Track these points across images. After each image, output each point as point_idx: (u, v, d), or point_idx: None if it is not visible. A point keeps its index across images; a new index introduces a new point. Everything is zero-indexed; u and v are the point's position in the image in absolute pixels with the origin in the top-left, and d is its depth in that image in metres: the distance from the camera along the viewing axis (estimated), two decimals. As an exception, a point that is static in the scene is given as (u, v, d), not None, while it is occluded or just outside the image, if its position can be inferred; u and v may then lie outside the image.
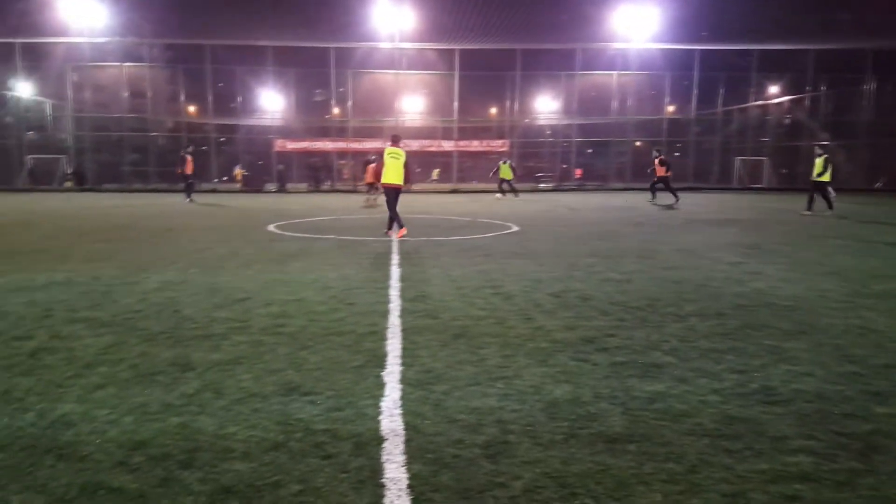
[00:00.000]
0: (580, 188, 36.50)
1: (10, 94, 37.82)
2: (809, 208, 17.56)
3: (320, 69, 38.24)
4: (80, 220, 10.96)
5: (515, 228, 13.73)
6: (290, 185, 35.26)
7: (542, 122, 43.96)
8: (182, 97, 40.14)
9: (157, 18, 31.67)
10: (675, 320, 5.67)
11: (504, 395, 3.85)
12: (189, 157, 22.73)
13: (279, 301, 6.34)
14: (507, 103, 41.60)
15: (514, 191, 27.53)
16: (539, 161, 42.98)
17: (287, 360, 4.46)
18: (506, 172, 27.58)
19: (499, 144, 39.66)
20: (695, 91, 40.12)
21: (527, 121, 42.47)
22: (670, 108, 42.61)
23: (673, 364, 4.45)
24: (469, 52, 36.92)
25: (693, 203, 23.37)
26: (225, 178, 38.21)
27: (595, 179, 40.18)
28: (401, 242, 10.99)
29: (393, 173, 11.71)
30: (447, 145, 37.01)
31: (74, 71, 38.00)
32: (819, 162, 17.37)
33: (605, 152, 43.29)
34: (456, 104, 37.96)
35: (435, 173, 39.49)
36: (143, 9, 31.31)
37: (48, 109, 39.81)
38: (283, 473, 2.88)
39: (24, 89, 38.74)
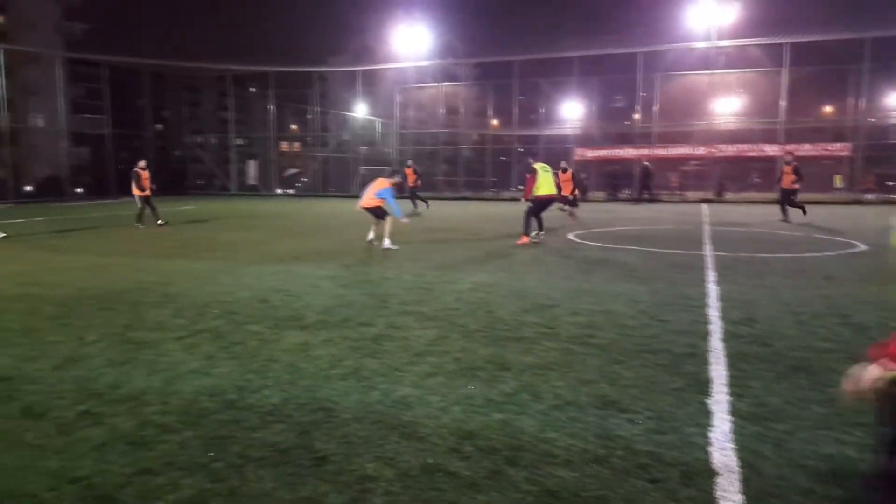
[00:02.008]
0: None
1: (350, 115, 44.81)
2: None
3: (626, 75, 37.62)
4: (400, 224, 12.45)
5: (863, 247, 11.64)
6: (588, 195, 35.42)
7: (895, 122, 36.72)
8: (489, 111, 43.12)
9: (471, 39, 34.58)
10: None
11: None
12: (410, 171, 23.97)
13: (586, 311, 6.30)
14: (850, 101, 35.70)
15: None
16: (891, 167, 35.97)
17: (599, 373, 4.37)
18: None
19: (837, 148, 34.19)
20: None
21: (872, 120, 35.78)
22: None
23: None
24: (801, 44, 32.65)
25: None
26: (521, 187, 40.18)
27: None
28: (718, 258, 10.15)
29: (545, 186, 12.63)
30: (770, 150, 33.12)
31: (400, 92, 43.43)
32: None
33: None
34: (783, 104, 33.84)
35: (837, 180, 34.92)
36: (459, 32, 34.50)
37: (378, 127, 46.19)
38: (608, 489, 2.79)
39: (360, 110, 45.66)
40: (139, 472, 2.93)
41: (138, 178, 16.12)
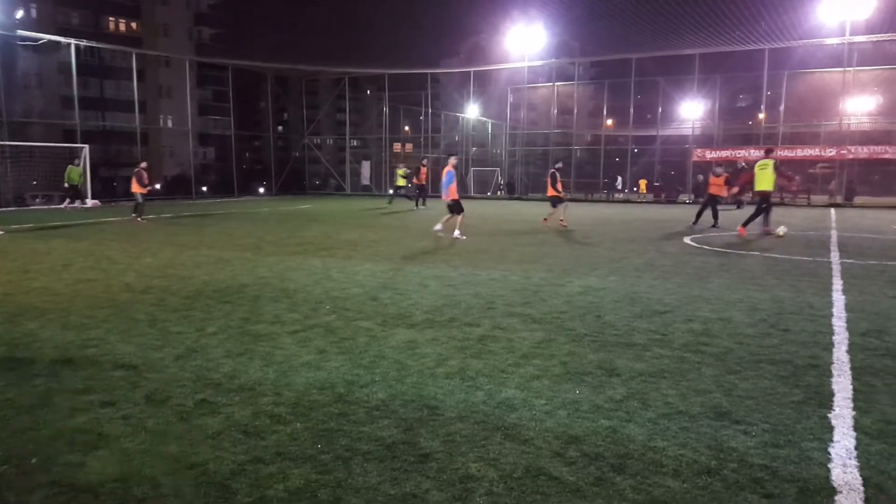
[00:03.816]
0: None
1: (462, 115, 45.25)
2: None
3: (751, 73, 35.59)
4: (511, 224, 12.48)
5: None
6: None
7: None
8: (604, 111, 42.18)
9: (588, 37, 33.93)
10: None
11: None
12: (424, 168, 25.05)
13: (701, 318, 6.09)
14: None
15: None
16: None
17: (713, 382, 4.24)
18: None
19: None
20: None
21: None
22: None
23: None
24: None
25: None
26: (628, 190, 38.71)
27: None
28: (846, 266, 9.46)
29: (763, 181, 13.74)
30: (905, 152, 30.33)
31: (512, 93, 43.35)
32: None
33: None
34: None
35: None
36: (575, 30, 33.92)
37: (489, 128, 46.28)
38: (719, 502, 2.73)
39: (471, 111, 45.99)
40: (252, 461, 3.08)
41: (140, 177, 17.73)
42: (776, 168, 13.94)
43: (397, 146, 56.58)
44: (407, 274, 8.75)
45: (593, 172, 39.69)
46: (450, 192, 13.05)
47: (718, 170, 17.99)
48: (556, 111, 40.52)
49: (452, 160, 13.57)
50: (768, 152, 14.73)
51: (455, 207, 13.12)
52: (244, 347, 5.08)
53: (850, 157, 32.20)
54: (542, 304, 6.78)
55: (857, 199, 30.49)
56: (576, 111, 41.17)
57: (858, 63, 33.36)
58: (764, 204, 14.02)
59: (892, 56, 33.25)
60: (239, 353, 4.91)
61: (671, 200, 33.38)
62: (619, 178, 38.49)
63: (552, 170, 16.63)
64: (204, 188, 42.41)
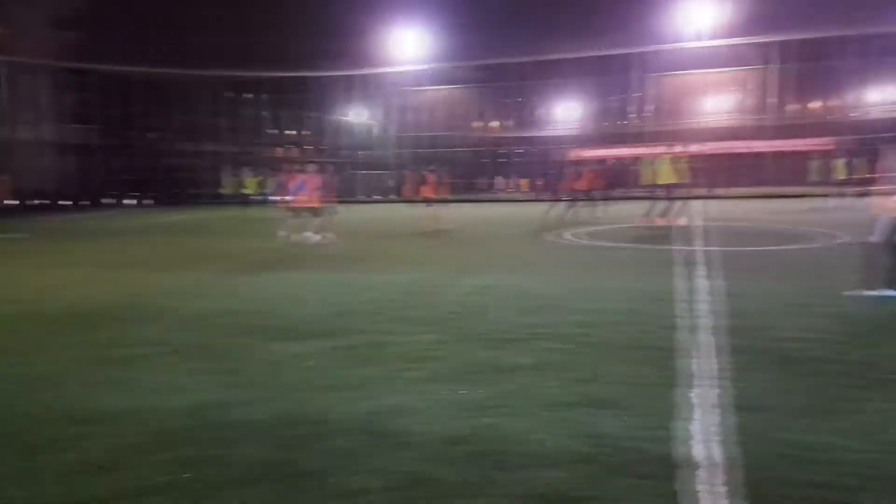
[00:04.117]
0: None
1: (346, 119, 44.81)
2: None
3: (620, 75, 37.85)
4: (401, 227, 12.59)
5: (846, 238, 11.77)
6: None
7: (878, 115, 37.16)
8: (486, 113, 43.28)
9: (471, 42, 34.61)
10: None
11: (845, 433, 3.30)
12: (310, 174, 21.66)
13: (583, 310, 6.36)
14: (837, 97, 36.02)
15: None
16: (873, 158, 36.36)
17: (592, 371, 4.43)
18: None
19: (824, 143, 34.51)
20: None
21: (854, 115, 36.19)
22: None
23: None
24: (789, 42, 32.92)
25: None
26: (512, 189, 39.85)
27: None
28: (711, 254, 10.22)
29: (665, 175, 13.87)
30: (759, 146, 33.31)
31: (398, 96, 43.52)
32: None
33: None
34: (772, 101, 34.09)
35: (838, 168, 34.59)
36: (470, 35, 34.49)
37: (375, 131, 46.02)
38: (596, 488, 2.84)
39: (357, 115, 45.68)
40: (108, 499, 2.84)
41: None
42: (673, 161, 14.94)
43: (279, 151, 55.00)
44: (289, 282, 8.53)
45: (479, 173, 40.58)
46: (305, 197, 13.44)
47: (583, 167, 18.36)
48: (441, 114, 41.10)
49: (311, 167, 14.54)
50: (669, 147, 15.75)
51: (313, 212, 13.58)
52: (105, 375, 4.62)
53: (711, 152, 34.95)
54: (433, 306, 6.81)
55: (720, 191, 33.00)
56: (459, 113, 41.98)
57: (715, 65, 36.37)
58: (668, 195, 14.84)
59: (744, 58, 36.43)
60: (99, 382, 4.48)
61: (554, 198, 34.68)
62: (499, 178, 39.48)
63: (424, 172, 17.04)
64: (68, 201, 39.24)
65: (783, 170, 38.61)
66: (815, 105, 39.32)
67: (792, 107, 37.28)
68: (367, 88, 43.65)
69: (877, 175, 6.93)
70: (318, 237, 13.44)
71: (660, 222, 14.68)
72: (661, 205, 14.93)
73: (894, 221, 6.41)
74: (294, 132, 50.51)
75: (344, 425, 3.63)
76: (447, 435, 3.45)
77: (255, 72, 40.84)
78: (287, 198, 14.05)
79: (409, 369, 4.61)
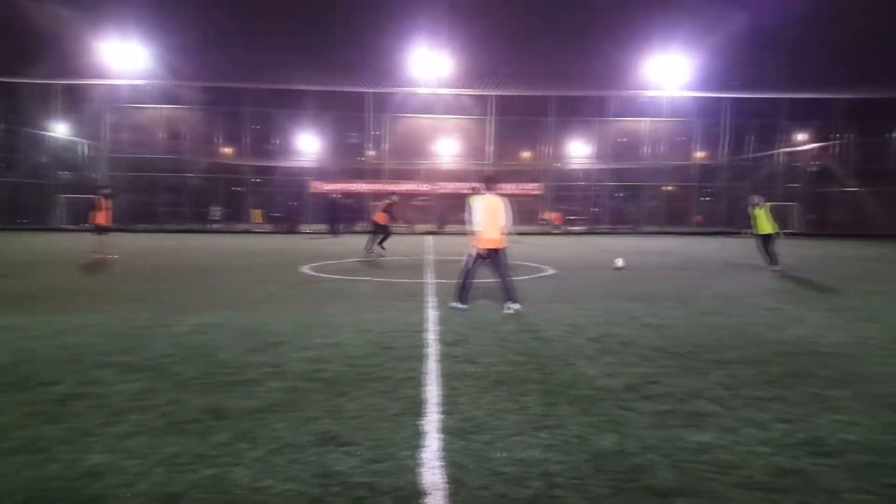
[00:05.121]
0: (613, 231, 36.23)
1: (46, 134, 38.82)
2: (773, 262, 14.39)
3: (357, 113, 39.05)
4: (113, 260, 11.18)
5: (551, 271, 13.54)
6: (309, 226, 35.31)
7: (575, 167, 44.09)
8: (218, 139, 41.13)
9: (197, 62, 32.67)
10: (717, 367, 5.51)
11: (549, 446, 3.67)
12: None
13: (315, 345, 6.23)
14: (542, 148, 41.86)
15: None
16: (572, 204, 43.02)
17: (323, 408, 4.33)
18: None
19: (533, 188, 39.69)
20: (725, 138, 39.98)
21: (558, 165, 42.55)
22: (700, 155, 42.53)
23: (718, 413, 4.30)
24: (504, 97, 37.36)
25: (726, 248, 22.85)
26: (248, 221, 38.19)
27: (627, 223, 39.89)
28: (438, 286, 10.86)
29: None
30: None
31: (112, 112, 39.03)
32: (760, 213, 14.62)
33: (638, 196, 43.18)
34: (491, 148, 38.27)
35: (551, 216, 38.68)
36: (184, 53, 32.30)
37: (84, 150, 40.47)
38: (321, 532, 2.72)
39: (60, 130, 39.80)
40: None
41: None
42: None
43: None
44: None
45: (209, 201, 38.16)
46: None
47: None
48: (164, 135, 38.05)
49: None
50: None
51: None
52: None
53: (441, 191, 37.83)
54: (145, 348, 6.07)
55: (449, 228, 35.72)
56: (186, 136, 39.30)
57: (443, 112, 39.68)
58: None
59: (468, 108, 40.32)
60: None
61: (292, 230, 34.18)
62: (218, 209, 37.16)
63: (97, 196, 16.02)
64: None
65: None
66: (526, 154, 45.09)
67: (506, 154, 42.22)
68: (72, 101, 38.30)
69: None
70: None
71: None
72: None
73: (476, 254, 8.39)
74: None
75: (28, 495, 3.03)
76: (160, 493, 3.06)
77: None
78: None
79: (112, 423, 4.02)
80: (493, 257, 8.43)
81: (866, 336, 6.92)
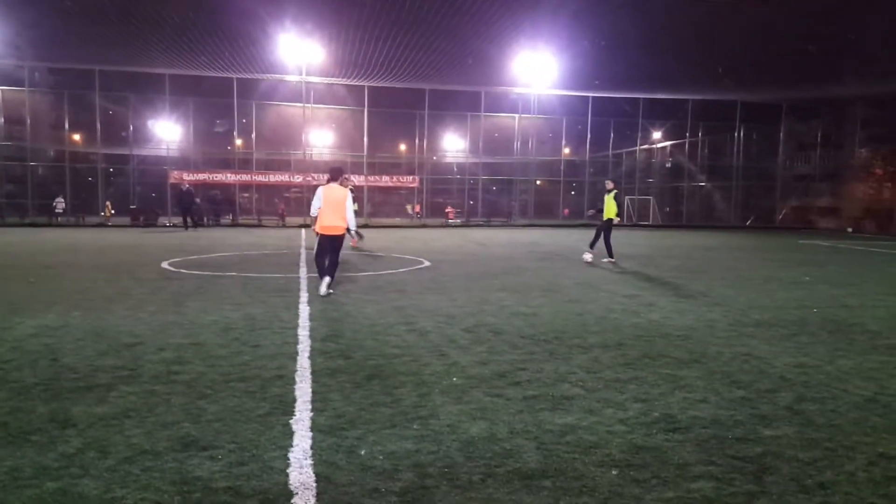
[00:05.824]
0: (487, 224, 37.19)
1: None
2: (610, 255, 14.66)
3: (222, 99, 37.13)
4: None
5: (427, 263, 13.66)
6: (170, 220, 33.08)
7: (449, 160, 44.77)
8: (67, 124, 37.60)
9: (43, 41, 29.50)
10: (580, 352, 5.84)
11: (420, 437, 3.70)
12: None
13: (174, 345, 5.88)
14: (416, 141, 42.11)
15: None
16: (448, 197, 43.70)
17: (183, 412, 4.09)
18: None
19: (409, 180, 39.88)
20: (588, 135, 42.28)
21: (434, 158, 43.10)
22: (566, 150, 44.78)
23: (581, 395, 4.55)
24: (378, 88, 37.08)
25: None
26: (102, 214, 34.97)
27: (501, 216, 41.16)
28: (310, 280, 10.61)
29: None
30: (357, 180, 36.58)
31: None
32: (609, 198, 14.73)
33: (510, 190, 44.67)
34: (366, 139, 37.87)
35: (409, 208, 38.46)
36: (27, 30, 28.97)
37: None
38: (180, 542, 2.57)
39: None
40: None
41: None
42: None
43: None
44: None
45: (57, 192, 34.78)
46: None
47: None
48: (3, 120, 34.29)
49: None
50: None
51: None
52: None
53: (315, 183, 36.93)
54: (-22, 354, 5.47)
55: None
56: (30, 122, 35.61)
57: (315, 101, 38.73)
58: None
59: (341, 98, 39.64)
60: None
61: (150, 224, 31.99)
62: (61, 200, 33.79)
63: None
64: None
65: (378, 203, 43.36)
66: (402, 147, 45.20)
67: (381, 146, 42.09)
68: None
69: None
70: None
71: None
72: None
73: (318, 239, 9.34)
74: None
75: None
76: (-11, 516, 2.75)
77: None
78: None
79: (-65, 439, 3.57)
80: (331, 242, 9.18)
81: (712, 319, 7.61)
